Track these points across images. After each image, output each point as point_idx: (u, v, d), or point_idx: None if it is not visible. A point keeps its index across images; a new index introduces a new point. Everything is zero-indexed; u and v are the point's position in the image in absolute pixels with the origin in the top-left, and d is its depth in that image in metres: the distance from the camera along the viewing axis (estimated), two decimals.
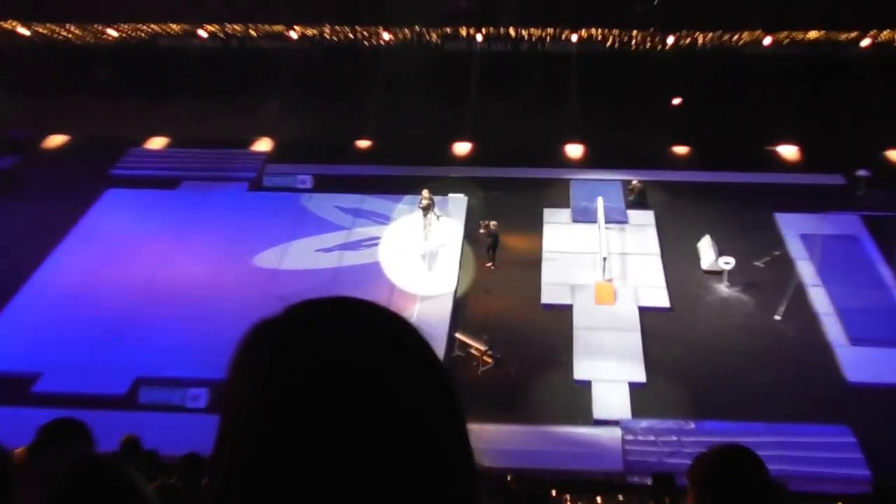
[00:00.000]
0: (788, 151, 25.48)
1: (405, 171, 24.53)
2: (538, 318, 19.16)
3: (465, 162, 25.75)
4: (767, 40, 25.57)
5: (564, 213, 23.07)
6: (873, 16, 24.44)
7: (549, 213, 23.00)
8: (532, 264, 20.91)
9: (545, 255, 21.28)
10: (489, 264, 20.95)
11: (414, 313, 18.59)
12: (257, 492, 1.29)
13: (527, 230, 22.30)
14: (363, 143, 26.69)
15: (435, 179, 23.49)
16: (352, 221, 22.82)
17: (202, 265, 20.61)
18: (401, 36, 26.60)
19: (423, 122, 25.92)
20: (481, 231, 20.88)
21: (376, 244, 21.74)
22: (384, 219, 22.85)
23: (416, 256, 21.34)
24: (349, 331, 1.39)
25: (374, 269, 20.63)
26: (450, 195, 23.55)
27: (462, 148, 26.50)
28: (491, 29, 26.57)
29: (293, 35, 27.00)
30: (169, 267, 20.51)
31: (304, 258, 21.17)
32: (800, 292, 19.30)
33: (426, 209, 21.68)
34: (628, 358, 17.67)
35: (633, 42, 26.23)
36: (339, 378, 1.32)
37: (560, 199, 23.60)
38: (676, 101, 26.00)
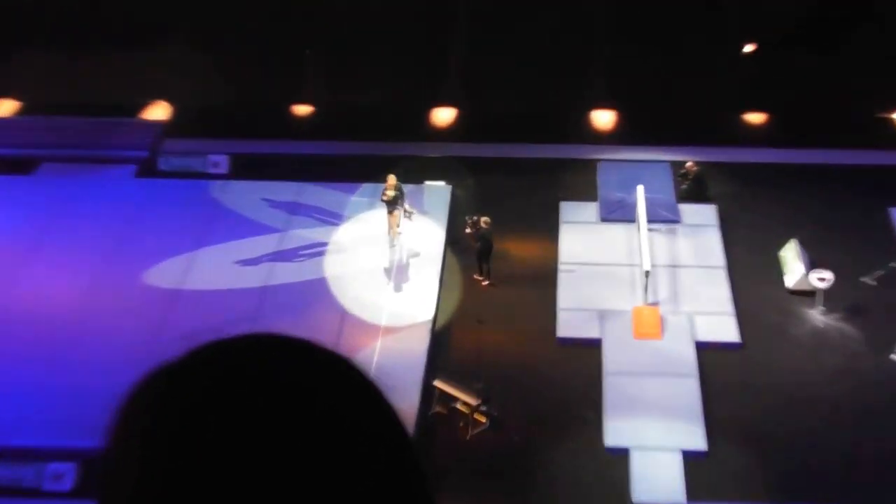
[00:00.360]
0: None
1: (361, 148, 24.73)
2: (552, 358, 19.29)
3: (448, 136, 25.92)
4: None
5: (589, 209, 23.28)
6: None
7: (567, 209, 23.19)
8: (543, 281, 21.02)
9: (562, 267, 21.45)
10: (481, 279, 21.15)
11: (374, 353, 18.71)
12: None
13: (535, 232, 22.53)
14: (302, 110, 26.83)
15: (405, 161, 23.73)
16: (286, 221, 22.93)
17: (69, 285, 20.52)
18: None
19: (388, 79, 26.05)
20: (468, 231, 21.03)
21: (321, 253, 21.90)
22: (332, 217, 23.02)
23: (379, 270, 21.51)
24: (272, 384, 1.46)
25: (317, 289, 20.76)
26: (426, 183, 23.75)
27: (443, 116, 26.62)
28: None
29: None
30: (19, 287, 20.48)
31: (217, 274, 21.29)
32: None
33: (392, 203, 21.72)
34: (681, 415, 17.76)
35: None
36: (260, 452, 1.39)
37: (583, 187, 23.82)
38: (748, 48, 26.18)
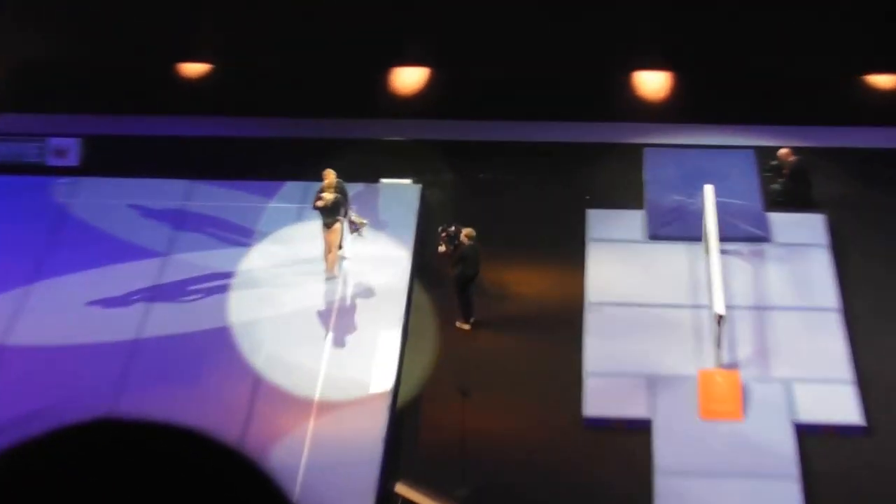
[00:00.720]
0: None
1: (285, 128, 24.94)
2: (576, 448, 19.36)
3: (416, 110, 25.96)
4: None
5: (631, 220, 23.39)
6: None
7: (597, 220, 23.32)
8: (561, 330, 21.08)
9: (591, 309, 21.51)
10: (465, 326, 21.37)
11: (303, 442, 18.72)
12: None
13: (549, 254, 22.66)
14: (194, 70, 26.82)
15: (350, 147, 23.89)
16: (169, 240, 22.93)
17: None
18: None
19: (325, 25, 25.97)
20: (441, 249, 21.12)
21: (223, 289, 21.89)
22: (239, 234, 23.02)
23: (311, 314, 21.47)
24: (122, 497, 1.81)
25: (216, 344, 20.79)
26: (383, 182, 24.03)
27: (408, 79, 26.55)
28: None
29: None
30: None
31: (61, 321, 21.18)
32: None
33: (331, 212, 21.56)
34: None
35: None
36: None
37: (622, 187, 23.89)
38: None
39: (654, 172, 24.02)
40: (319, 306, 21.54)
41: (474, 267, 20.95)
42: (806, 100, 25.01)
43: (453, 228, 21.06)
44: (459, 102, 25.61)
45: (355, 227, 21.85)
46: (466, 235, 20.90)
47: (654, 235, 22.87)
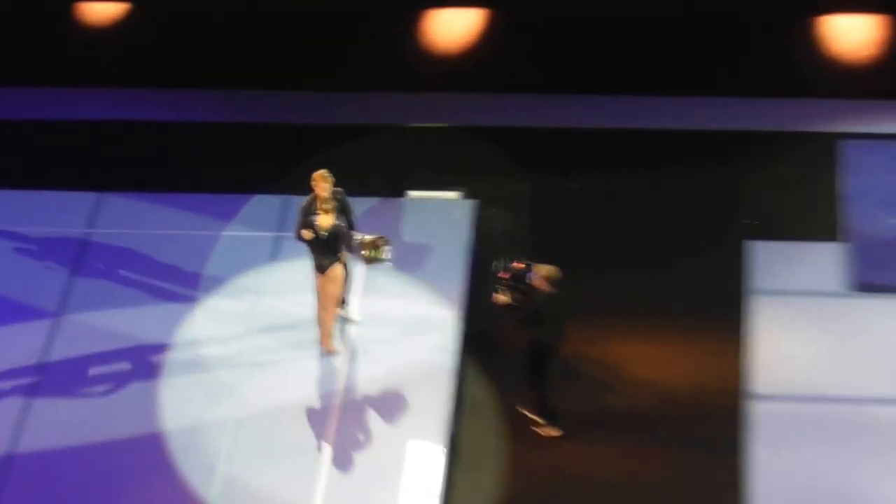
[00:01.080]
0: None
1: (252, 108, 25.96)
2: None
3: (463, 78, 26.66)
4: None
5: (823, 258, 23.75)
6: None
7: (766, 258, 23.74)
8: (706, 434, 21.13)
9: (756, 402, 21.56)
10: (542, 424, 21.28)
11: None
12: None
13: (684, 314, 23.01)
14: (99, 12, 27.67)
15: (357, 137, 24.61)
16: (63, 290, 23.41)
17: None
18: None
19: None
20: (500, 297, 21.27)
21: (153, 372, 22.05)
22: (177, 281, 23.46)
23: (297, 413, 21.58)
24: None
25: (142, 460, 20.73)
26: (412, 195, 24.68)
27: (451, 27, 26.61)
28: None
29: None
30: None
31: None
32: None
33: (328, 245, 21.57)
34: None
35: None
36: None
37: (805, 205, 24.63)
38: None
39: (858, 181, 23.69)
40: (311, 402, 21.01)
41: (556, 330, 20.02)
42: None
43: (522, 266, 20.28)
44: (534, 66, 25.44)
45: (372, 256, 21.18)
46: (544, 277, 19.92)
47: (862, 284, 22.63)
